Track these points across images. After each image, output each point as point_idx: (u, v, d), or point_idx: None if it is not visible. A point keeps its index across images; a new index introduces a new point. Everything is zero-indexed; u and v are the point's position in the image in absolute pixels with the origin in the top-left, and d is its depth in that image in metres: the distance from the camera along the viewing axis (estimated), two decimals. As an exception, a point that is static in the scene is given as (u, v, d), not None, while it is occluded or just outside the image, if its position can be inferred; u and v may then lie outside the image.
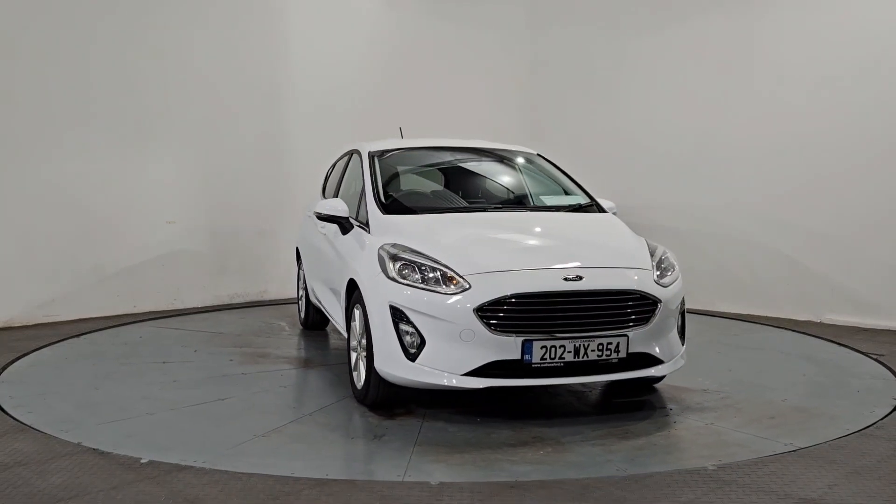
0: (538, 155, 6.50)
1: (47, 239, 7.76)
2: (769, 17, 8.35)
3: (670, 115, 9.05)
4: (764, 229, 8.41)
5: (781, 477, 3.92)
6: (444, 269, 4.65)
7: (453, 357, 4.51)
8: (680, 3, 9.05)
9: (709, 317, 8.35)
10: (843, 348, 6.81)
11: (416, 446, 4.39)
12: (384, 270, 4.78)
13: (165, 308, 8.44)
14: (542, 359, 4.49)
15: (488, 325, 4.47)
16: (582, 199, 5.96)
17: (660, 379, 5.26)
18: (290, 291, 9.02)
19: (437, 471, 4.01)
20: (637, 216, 9.28)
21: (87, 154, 7.97)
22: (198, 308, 8.58)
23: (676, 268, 5.14)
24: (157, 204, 8.44)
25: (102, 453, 4.21)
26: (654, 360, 4.80)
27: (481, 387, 4.50)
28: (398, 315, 4.64)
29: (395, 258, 4.80)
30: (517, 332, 4.48)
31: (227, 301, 8.86)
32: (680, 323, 5.05)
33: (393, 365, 4.67)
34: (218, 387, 5.59)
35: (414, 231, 5.14)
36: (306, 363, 6.31)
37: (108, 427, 4.71)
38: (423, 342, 4.57)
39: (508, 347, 4.47)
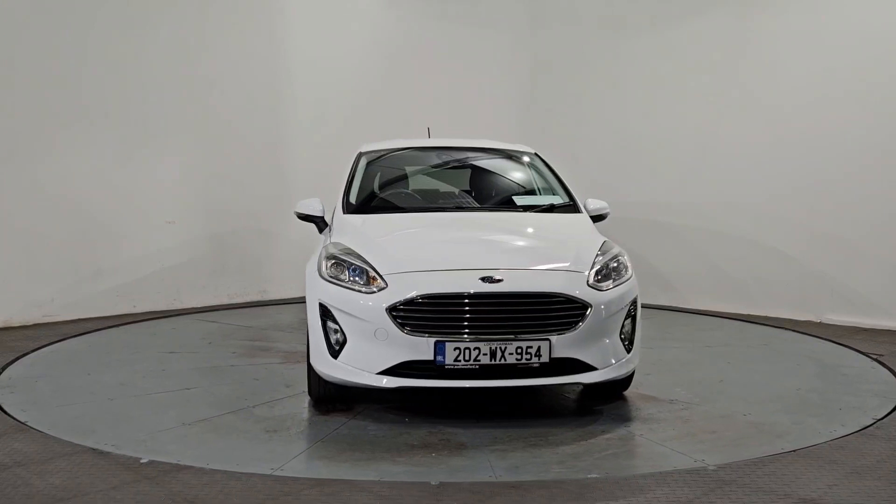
0: (535, 154, 6.46)
1: (47, 239, 7.76)
2: (770, 16, 8.34)
3: (670, 115, 9.05)
4: (764, 229, 8.40)
5: (781, 477, 3.92)
6: (368, 269, 4.71)
7: (369, 356, 4.57)
8: (680, 3, 9.05)
9: (710, 317, 8.35)
10: (844, 350, 6.73)
11: (319, 442, 4.44)
12: (319, 269, 4.89)
13: (165, 308, 8.44)
14: (455, 360, 4.44)
15: (400, 325, 4.49)
16: (557, 200, 5.89)
17: (624, 385, 5.14)
18: (290, 291, 9.05)
19: (315, 468, 4.06)
20: (636, 215, 9.29)
21: (87, 154, 7.97)
22: (197, 307, 8.58)
23: (627, 272, 4.97)
24: (157, 204, 8.44)
25: (102, 453, 4.20)
26: (584, 367, 4.63)
27: (393, 386, 4.55)
28: (326, 313, 4.73)
29: (329, 257, 4.90)
30: (430, 333, 4.47)
31: (226, 301, 8.86)
32: (629, 329, 4.87)
33: (321, 362, 4.76)
34: (196, 377, 5.81)
35: (363, 230, 5.26)
36: (300, 358, 6.33)
37: (62, 409, 5.01)
38: (345, 340, 4.64)
39: (421, 348, 4.46)
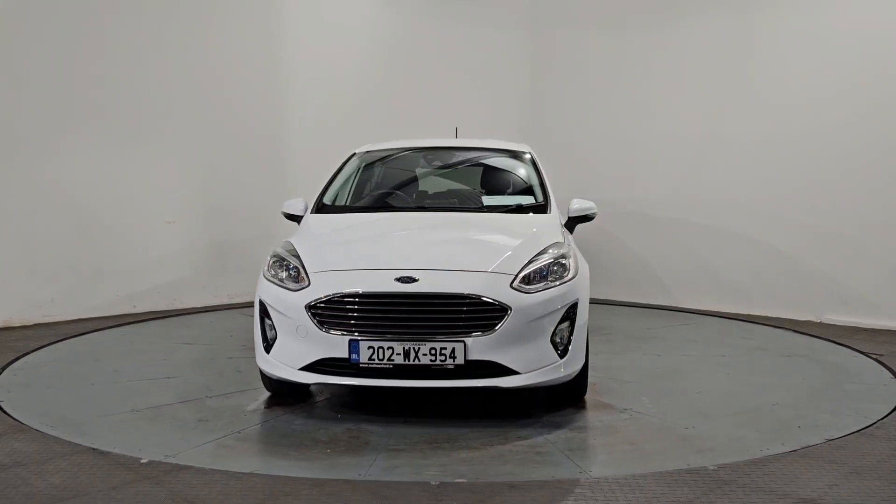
0: (526, 153, 6.38)
1: (47, 239, 7.76)
2: (770, 15, 8.34)
3: (671, 115, 9.05)
4: (764, 229, 8.40)
5: (781, 477, 3.92)
6: (299, 268, 4.84)
7: (293, 352, 4.71)
8: (681, 2, 9.05)
9: (709, 317, 8.35)
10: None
11: (232, 434, 4.56)
12: (263, 268, 5.05)
13: (165, 308, 8.44)
14: (369, 359, 4.49)
15: (319, 323, 4.59)
16: (528, 200, 5.85)
17: (574, 390, 4.99)
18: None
19: (205, 458, 4.16)
20: (637, 215, 9.30)
21: (88, 154, 7.97)
22: (197, 308, 8.58)
23: (568, 274, 4.80)
24: (157, 204, 8.44)
25: (102, 453, 4.21)
26: (504, 371, 4.53)
27: (312, 382, 4.73)
28: (263, 310, 4.90)
29: (272, 256, 5.07)
30: (346, 331, 4.54)
31: (226, 301, 8.86)
32: (566, 333, 4.70)
33: (259, 357, 4.96)
34: (186, 367, 6.09)
35: (315, 230, 5.47)
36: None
37: (41, 392, 5.41)
38: (276, 336, 4.80)
39: (337, 345, 4.54)
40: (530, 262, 4.80)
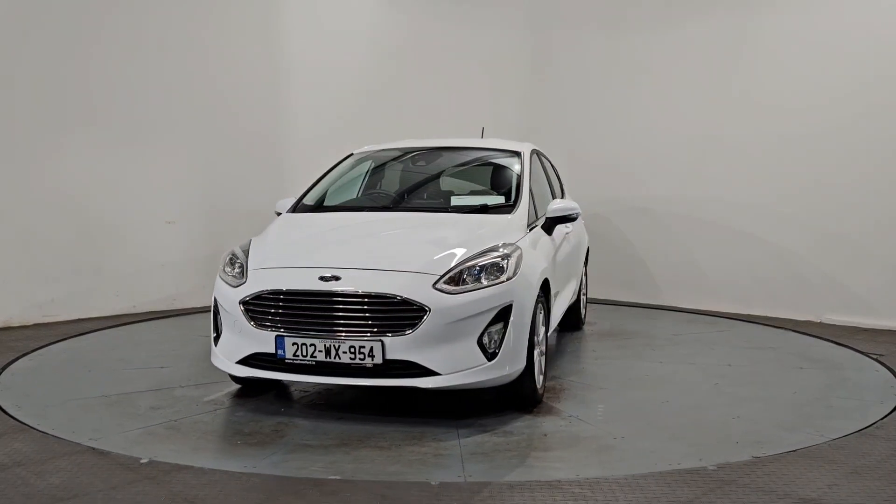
0: (516, 153, 6.24)
1: (47, 239, 7.77)
2: (771, 15, 8.34)
3: (671, 115, 9.05)
4: (764, 229, 8.40)
5: (781, 477, 3.92)
6: (243, 265, 4.99)
7: (231, 346, 4.88)
8: (681, 2, 9.04)
9: (709, 317, 8.35)
10: (842, 350, 6.69)
11: (166, 423, 4.72)
12: (220, 265, 5.18)
13: (165, 308, 8.44)
14: (294, 355, 4.60)
15: (249, 319, 4.74)
16: (494, 200, 5.77)
17: (519, 393, 4.89)
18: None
19: (123, 442, 4.35)
20: (636, 215, 9.30)
21: (88, 154, 7.98)
22: (197, 307, 8.57)
23: (503, 275, 4.68)
24: (157, 204, 8.45)
25: (102, 453, 4.21)
26: (424, 371, 4.50)
27: (244, 375, 4.86)
28: (216, 307, 5.07)
29: (229, 253, 5.19)
30: (273, 327, 4.66)
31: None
32: (497, 335, 4.60)
33: (211, 351, 5.13)
34: (185, 359, 6.30)
35: (276, 229, 5.57)
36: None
37: (43, 376, 5.74)
38: (221, 331, 5.00)
39: (265, 341, 4.67)
40: (464, 262, 4.70)
